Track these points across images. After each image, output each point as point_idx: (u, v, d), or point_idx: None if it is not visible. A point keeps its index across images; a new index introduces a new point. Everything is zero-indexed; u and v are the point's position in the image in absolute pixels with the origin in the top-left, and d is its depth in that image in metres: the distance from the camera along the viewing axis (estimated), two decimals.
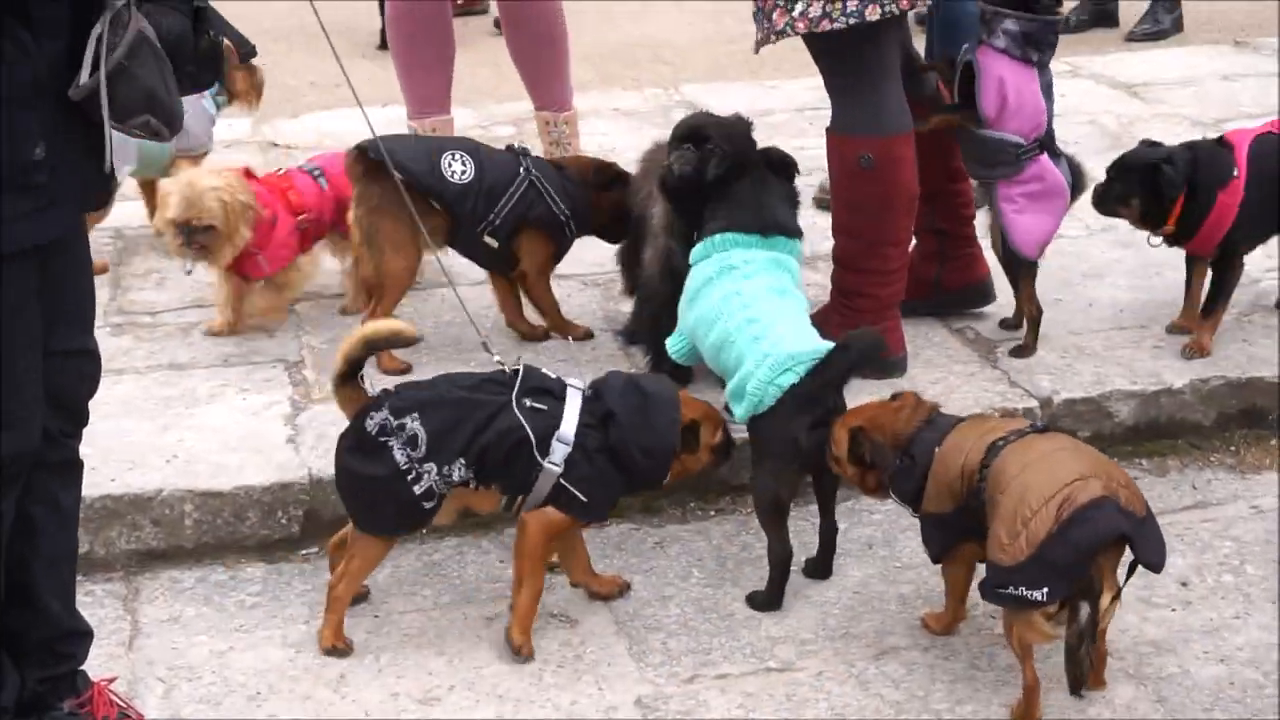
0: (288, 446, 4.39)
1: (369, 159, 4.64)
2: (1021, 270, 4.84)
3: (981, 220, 5.08)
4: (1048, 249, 4.90)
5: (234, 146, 7.02)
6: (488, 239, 4.82)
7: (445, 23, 5.87)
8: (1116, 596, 3.41)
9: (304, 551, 4.22)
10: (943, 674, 3.69)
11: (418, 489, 3.65)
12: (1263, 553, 4.13)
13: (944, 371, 4.76)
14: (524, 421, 3.68)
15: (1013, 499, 3.39)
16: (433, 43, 5.81)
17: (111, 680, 3.50)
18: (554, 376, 3.84)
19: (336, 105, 7.73)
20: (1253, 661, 3.71)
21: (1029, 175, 4.72)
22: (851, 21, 4.40)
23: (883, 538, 4.24)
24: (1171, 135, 6.34)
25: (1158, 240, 4.88)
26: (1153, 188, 4.76)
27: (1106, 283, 5.33)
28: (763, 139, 4.66)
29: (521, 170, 4.84)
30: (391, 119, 6.74)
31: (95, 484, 4.11)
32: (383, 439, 3.64)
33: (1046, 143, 4.75)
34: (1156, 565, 3.43)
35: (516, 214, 4.82)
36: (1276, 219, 4.88)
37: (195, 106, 6.12)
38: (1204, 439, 4.68)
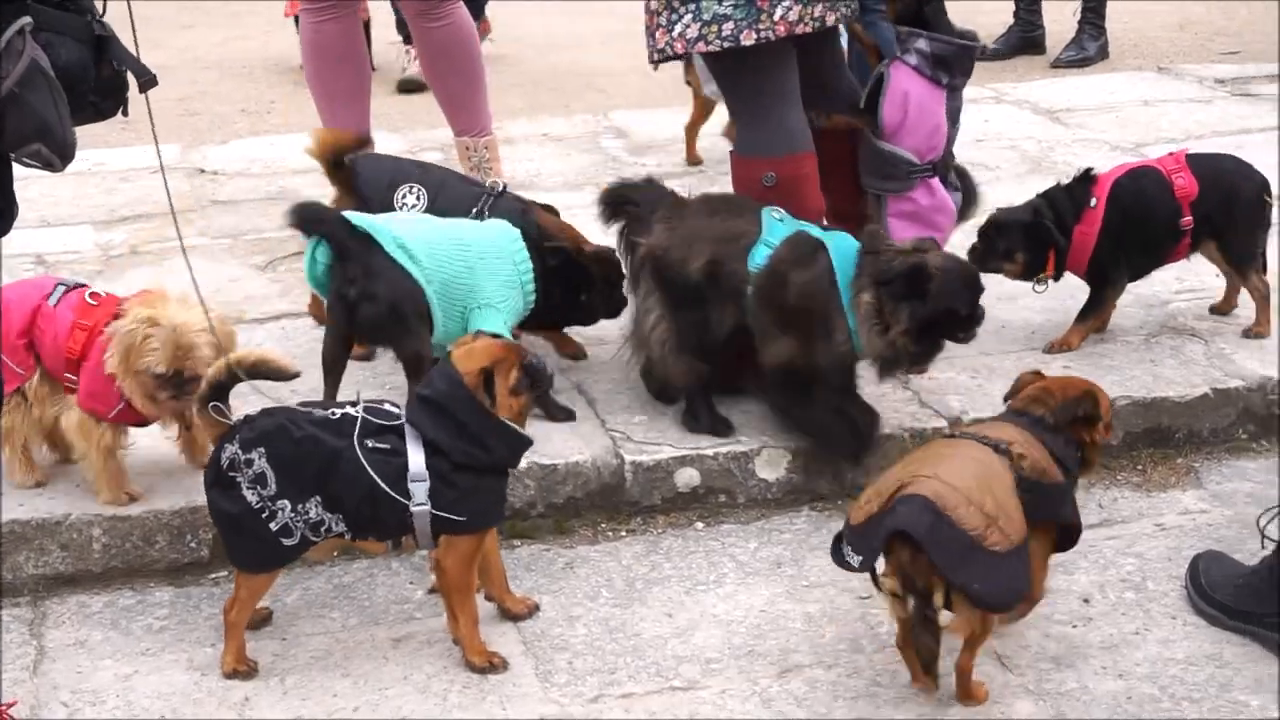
0: (197, 471, 4.38)
1: (345, 171, 4.93)
2: None
3: None
4: None
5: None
6: None
7: (359, 49, 5.89)
8: (926, 597, 3.47)
9: (213, 575, 4.22)
10: (845, 691, 3.72)
11: (274, 525, 3.64)
12: (1164, 569, 4.18)
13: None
14: (369, 469, 3.66)
15: (889, 473, 3.61)
16: (348, 70, 5.83)
17: (12, 704, 3.49)
18: (395, 410, 3.80)
19: (266, 132, 7.76)
20: (1150, 676, 3.75)
21: (917, 193, 4.82)
22: (726, 45, 4.50)
23: (791, 557, 4.27)
24: (1089, 159, 6.45)
25: (1041, 288, 5.10)
26: (1034, 242, 5.01)
27: (1019, 305, 5.38)
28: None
29: (472, 213, 4.80)
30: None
31: (3, 509, 4.12)
32: (232, 474, 3.65)
33: (940, 167, 4.83)
34: (977, 597, 3.46)
35: None
36: (1146, 248, 5.07)
37: None
38: (1111, 458, 4.71)
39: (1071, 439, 3.83)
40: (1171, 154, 5.14)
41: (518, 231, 4.63)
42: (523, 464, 4.37)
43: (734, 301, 4.47)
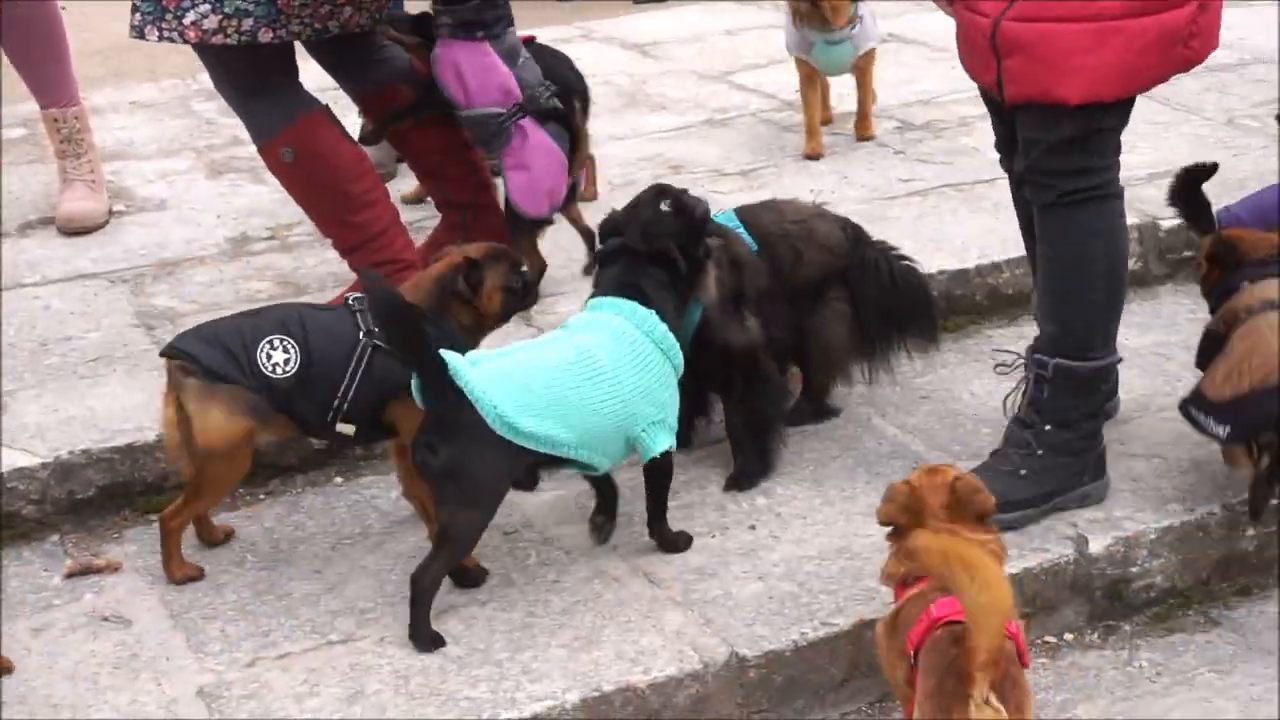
0: None
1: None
2: (523, 227, 5.04)
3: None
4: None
5: None
6: (342, 427, 3.99)
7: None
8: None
9: None
10: (501, 625, 3.78)
11: None
12: (789, 475, 4.35)
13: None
14: None
15: (1254, 352, 3.97)
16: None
17: None
18: None
19: None
20: (788, 575, 3.93)
21: (515, 142, 4.90)
22: (243, 40, 4.50)
23: None
24: (680, 90, 6.65)
25: None
26: None
27: None
28: None
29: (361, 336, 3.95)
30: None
31: None
32: None
33: (528, 105, 4.92)
34: None
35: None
36: None
37: None
38: None
39: None
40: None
41: None
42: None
43: None
